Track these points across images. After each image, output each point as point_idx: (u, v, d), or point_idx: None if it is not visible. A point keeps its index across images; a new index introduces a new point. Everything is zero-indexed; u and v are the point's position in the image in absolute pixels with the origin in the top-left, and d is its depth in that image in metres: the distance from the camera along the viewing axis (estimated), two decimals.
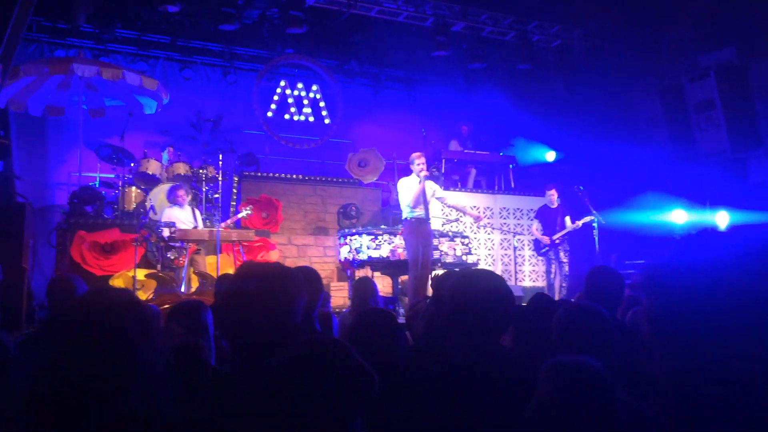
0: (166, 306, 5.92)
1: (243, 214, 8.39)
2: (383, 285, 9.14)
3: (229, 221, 8.48)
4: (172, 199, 8.18)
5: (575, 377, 1.58)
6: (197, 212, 8.34)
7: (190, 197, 8.41)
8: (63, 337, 1.46)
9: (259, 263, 2.84)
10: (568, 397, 1.53)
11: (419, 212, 7.20)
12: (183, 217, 8.04)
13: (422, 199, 7.20)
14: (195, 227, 7.94)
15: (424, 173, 7.19)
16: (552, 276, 9.17)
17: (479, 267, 8.92)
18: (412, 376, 2.26)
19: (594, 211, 8.94)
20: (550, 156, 11.60)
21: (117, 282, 7.78)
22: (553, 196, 9.22)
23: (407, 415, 1.93)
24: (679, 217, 9.47)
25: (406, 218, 7.27)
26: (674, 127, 10.40)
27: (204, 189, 9.35)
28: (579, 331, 2.45)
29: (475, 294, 1.99)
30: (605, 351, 2.28)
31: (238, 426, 1.20)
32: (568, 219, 9.20)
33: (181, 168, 9.41)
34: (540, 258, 9.87)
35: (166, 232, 7.42)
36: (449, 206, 8.53)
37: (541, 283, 10.02)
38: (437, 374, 2.01)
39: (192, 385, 2.10)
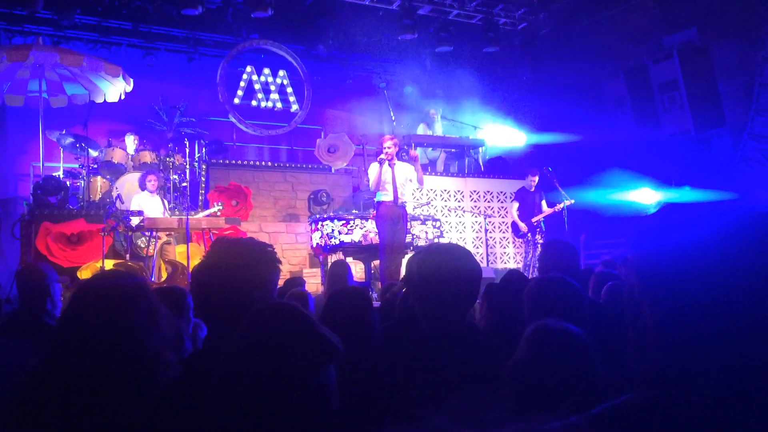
0: None
1: (215, 209, 8.26)
2: (356, 270, 9.13)
3: (201, 215, 8.35)
4: (143, 184, 8.08)
5: (559, 341, 1.59)
6: (165, 201, 8.24)
7: (159, 185, 8.30)
8: (69, 327, 1.44)
9: (232, 238, 2.79)
10: (550, 360, 1.54)
11: (387, 195, 7.20)
12: (151, 204, 7.94)
13: (391, 183, 7.21)
14: (163, 216, 7.83)
15: (382, 156, 7.23)
16: (528, 258, 9.30)
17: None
18: (384, 352, 2.26)
19: (564, 192, 9.06)
20: (519, 138, 11.67)
21: (85, 273, 7.63)
22: (534, 181, 9.34)
23: (380, 391, 1.92)
24: (645, 195, 9.63)
25: (378, 201, 7.29)
26: (639, 108, 10.55)
27: (172, 177, 9.21)
28: (550, 303, 2.46)
29: (441, 267, 1.99)
30: (577, 323, 2.31)
31: (209, 403, 1.18)
32: (544, 202, 9.34)
33: (147, 156, 9.27)
34: (511, 240, 9.98)
35: (135, 221, 7.31)
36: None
37: (512, 264, 10.13)
38: (407, 349, 2.01)
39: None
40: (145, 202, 7.94)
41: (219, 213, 8.24)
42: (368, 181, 7.54)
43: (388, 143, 7.25)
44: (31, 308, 3.33)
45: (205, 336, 2.04)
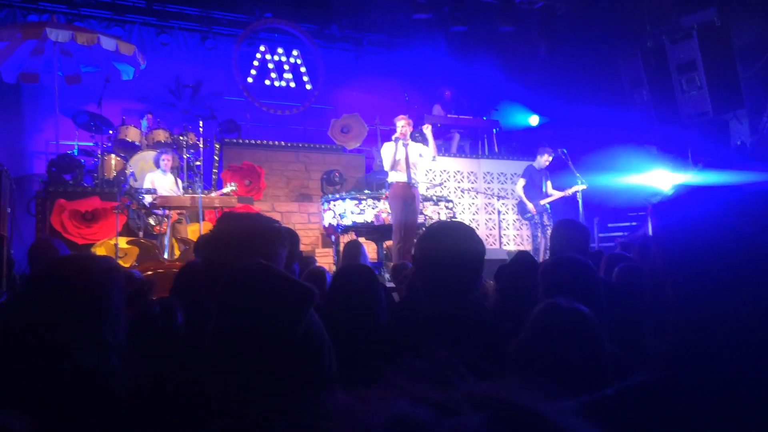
0: (149, 273, 5.88)
1: (227, 189, 8.25)
2: (368, 251, 9.14)
3: (213, 194, 8.35)
4: (157, 162, 8.11)
5: (567, 319, 1.56)
6: (178, 180, 8.26)
7: (174, 164, 8.31)
8: (29, 292, 1.44)
9: (238, 213, 2.79)
10: (556, 338, 1.52)
11: (400, 176, 7.18)
12: (165, 183, 7.97)
13: (404, 162, 7.18)
14: (176, 194, 7.86)
15: (396, 135, 7.19)
16: (538, 240, 9.21)
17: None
18: (389, 330, 2.25)
19: (578, 175, 8.96)
20: (534, 120, 11.57)
21: (99, 250, 7.70)
22: (547, 160, 9.17)
23: (385, 367, 1.92)
24: (661, 178, 9.53)
25: (391, 182, 7.25)
26: (656, 89, 10.40)
27: (185, 156, 9.23)
28: (565, 283, 2.44)
29: (443, 245, 1.97)
30: (591, 302, 2.29)
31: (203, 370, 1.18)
32: (549, 184, 9.20)
33: (161, 135, 9.29)
34: (525, 222, 9.92)
35: (148, 199, 7.34)
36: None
37: (525, 246, 10.08)
38: (410, 327, 2.00)
39: (166, 343, 2.08)
40: (159, 181, 7.98)
41: (232, 193, 8.25)
42: (381, 161, 7.51)
43: (402, 122, 7.21)
44: None
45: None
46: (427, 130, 7.43)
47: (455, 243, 1.95)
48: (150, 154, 8.99)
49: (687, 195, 0.96)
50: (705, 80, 9.66)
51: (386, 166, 7.22)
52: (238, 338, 1.09)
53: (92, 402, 1.36)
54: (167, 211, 7.57)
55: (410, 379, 0.49)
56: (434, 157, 7.44)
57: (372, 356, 2.09)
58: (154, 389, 1.37)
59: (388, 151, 7.21)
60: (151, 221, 7.46)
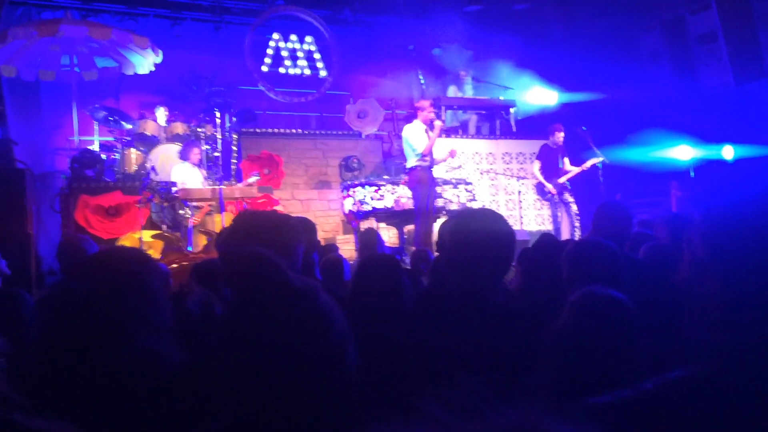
0: (174, 265, 5.94)
1: (251, 180, 8.27)
2: (389, 236, 9.15)
3: (239, 185, 8.36)
4: (185, 155, 8.16)
5: (605, 308, 1.55)
6: (203, 172, 8.28)
7: (198, 156, 8.35)
8: (69, 295, 1.46)
9: (256, 210, 2.82)
10: (595, 328, 1.50)
11: (424, 160, 7.17)
12: (193, 175, 8.01)
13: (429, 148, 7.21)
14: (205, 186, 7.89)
15: (439, 122, 7.19)
16: (558, 219, 9.15)
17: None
18: (417, 319, 2.25)
19: (598, 151, 8.87)
20: (552, 98, 11.44)
21: (124, 244, 7.79)
22: (560, 138, 9.11)
23: (412, 358, 1.92)
24: (683, 152, 9.39)
25: (413, 167, 7.22)
26: (676, 62, 10.24)
27: (204, 148, 9.26)
28: (589, 267, 2.43)
29: (475, 232, 1.94)
30: (616, 286, 2.27)
31: (232, 367, 1.19)
32: (567, 161, 9.14)
33: (179, 128, 9.34)
34: (545, 202, 9.86)
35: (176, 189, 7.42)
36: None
37: (547, 227, 10.02)
38: (440, 315, 1.99)
39: (202, 333, 2.11)
40: (188, 173, 8.01)
41: (256, 182, 8.27)
42: (404, 143, 7.43)
43: (431, 108, 7.25)
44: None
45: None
46: (437, 126, 7.33)
47: (486, 229, 1.93)
48: (169, 147, 9.05)
49: (731, 176, 0.93)
50: (726, 50, 9.47)
51: (419, 150, 7.15)
52: (245, 332, 1.08)
53: (150, 382, 1.39)
54: (197, 204, 7.64)
55: (444, 410, 0.49)
56: (421, 155, 7.22)
57: (399, 347, 2.10)
58: (199, 374, 1.40)
59: (421, 135, 7.17)
60: (183, 214, 7.54)
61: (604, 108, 10.37)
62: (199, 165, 8.31)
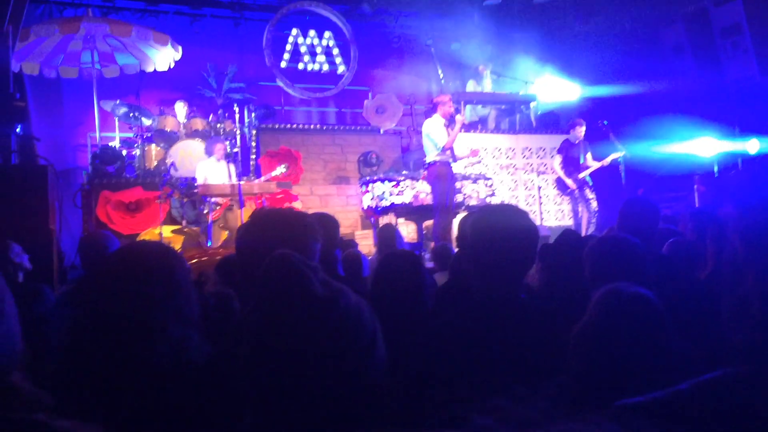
0: (194, 261, 5.98)
1: (277, 171, 8.26)
2: (408, 231, 9.13)
3: (262, 179, 8.37)
4: (209, 151, 8.20)
5: (632, 306, 1.50)
6: (232, 168, 8.26)
7: (226, 152, 8.37)
8: (98, 290, 1.46)
9: (271, 209, 2.81)
10: (622, 326, 1.46)
11: (444, 155, 7.13)
12: (218, 171, 8.04)
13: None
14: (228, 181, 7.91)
15: (460, 117, 7.16)
16: (579, 215, 9.07)
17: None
18: (438, 315, 2.23)
19: (620, 146, 8.77)
20: (572, 92, 11.32)
21: (145, 239, 7.85)
22: (581, 132, 9.03)
23: (433, 353, 1.90)
24: (707, 146, 9.25)
25: (432, 162, 7.19)
26: (700, 55, 10.06)
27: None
28: (611, 263, 2.38)
29: (497, 229, 1.90)
30: (641, 284, 2.23)
31: (251, 369, 1.17)
32: (589, 156, 9.06)
33: (199, 123, 9.39)
34: (565, 197, 9.78)
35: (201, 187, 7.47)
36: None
37: (567, 222, 9.93)
38: (463, 313, 1.97)
39: (223, 330, 2.11)
40: (212, 169, 8.05)
41: (282, 174, 8.25)
42: (423, 138, 7.40)
43: (451, 103, 7.21)
44: None
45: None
46: (458, 121, 7.28)
47: (509, 225, 1.89)
48: (189, 143, 9.10)
49: (759, 175, 0.90)
50: (750, 42, 9.30)
51: (440, 144, 7.12)
52: (264, 337, 1.06)
53: (181, 375, 1.39)
54: (216, 199, 7.67)
55: (497, 422, 0.47)
56: (442, 151, 7.20)
57: (419, 344, 2.07)
58: (224, 370, 1.39)
59: (441, 130, 7.14)
60: (204, 210, 7.58)
61: (626, 102, 10.24)
62: (227, 160, 8.33)
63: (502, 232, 1.88)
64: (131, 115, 9.12)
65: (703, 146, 9.21)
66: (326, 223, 3.08)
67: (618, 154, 8.72)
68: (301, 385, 1.00)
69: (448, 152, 7.18)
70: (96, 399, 1.30)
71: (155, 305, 1.42)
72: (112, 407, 1.28)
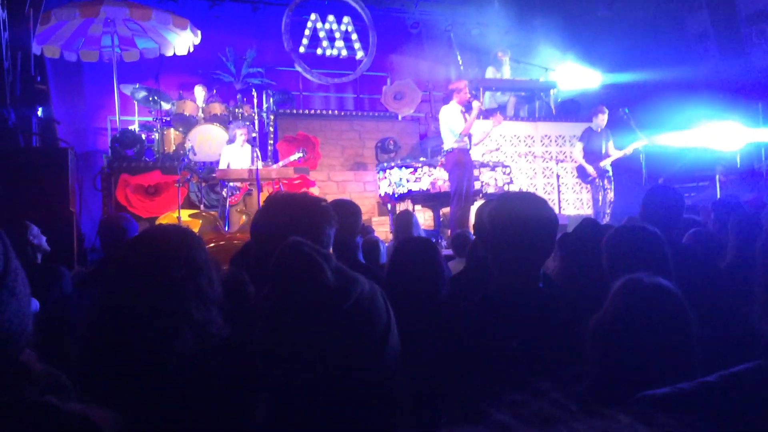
0: (211, 244, 6.00)
1: (294, 157, 8.26)
2: (425, 218, 9.11)
3: (279, 164, 8.39)
4: (231, 137, 8.26)
5: (651, 297, 1.47)
6: (257, 151, 8.27)
7: (248, 138, 8.39)
8: (119, 273, 1.46)
9: (285, 193, 2.80)
10: (641, 317, 1.43)
11: (462, 142, 7.09)
12: (241, 155, 8.07)
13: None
14: (251, 166, 7.93)
15: (477, 103, 7.10)
16: (599, 204, 9.00)
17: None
18: (454, 303, 2.21)
19: (641, 135, 8.66)
20: (593, 79, 11.18)
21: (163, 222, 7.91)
22: (603, 120, 8.93)
23: (448, 342, 1.89)
24: (731, 135, 9.09)
25: (450, 149, 7.15)
26: (725, 42, 9.90)
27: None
28: (630, 253, 2.34)
29: (516, 217, 1.88)
30: (661, 275, 2.19)
31: (264, 356, 1.15)
32: (611, 144, 8.96)
33: (217, 108, 9.41)
34: (584, 186, 9.69)
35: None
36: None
37: (586, 211, 9.85)
38: (479, 301, 1.95)
39: (237, 312, 2.11)
40: (235, 153, 8.08)
41: (299, 159, 8.26)
42: (440, 125, 7.36)
43: (466, 89, 7.14)
44: None
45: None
46: (475, 107, 7.21)
47: (528, 213, 1.86)
48: (207, 127, 9.13)
49: None
50: None
51: (457, 132, 7.07)
52: (277, 326, 1.04)
53: (205, 356, 1.39)
54: (236, 183, 7.69)
55: (515, 417, 0.46)
56: (460, 136, 7.14)
57: (434, 331, 2.06)
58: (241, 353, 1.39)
59: (457, 117, 7.08)
60: (224, 194, 7.63)
61: (648, 90, 10.09)
62: (252, 143, 8.35)
63: (520, 220, 1.86)
64: (150, 99, 9.17)
65: (726, 135, 9.06)
66: (348, 210, 3.08)
67: (640, 143, 8.61)
68: (313, 375, 0.99)
69: (466, 139, 7.13)
70: (116, 381, 1.30)
71: (178, 287, 1.42)
72: (132, 390, 1.29)
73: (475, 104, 7.16)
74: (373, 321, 1.05)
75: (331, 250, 1.95)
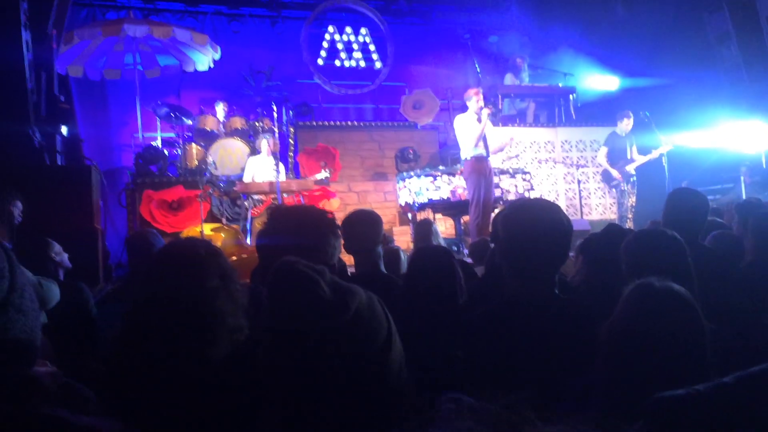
0: (233, 258, 6.06)
1: (322, 176, 8.33)
2: (446, 227, 9.09)
3: (309, 180, 8.42)
4: (257, 147, 8.37)
5: (663, 302, 1.45)
6: (281, 164, 8.34)
7: (272, 149, 8.49)
8: (152, 285, 1.49)
9: (289, 205, 2.82)
10: (652, 323, 1.41)
11: (480, 150, 7.07)
12: (266, 166, 8.16)
13: (482, 137, 7.09)
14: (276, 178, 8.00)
15: (486, 110, 7.06)
16: (624, 208, 8.94)
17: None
18: (471, 311, 2.20)
19: (663, 138, 8.57)
20: (613, 83, 11.10)
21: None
22: (628, 125, 8.89)
23: (466, 349, 1.88)
24: (753, 137, 8.96)
25: (466, 158, 7.14)
26: (746, 43, 9.75)
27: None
28: (647, 258, 2.30)
29: (529, 223, 1.87)
30: (681, 280, 2.15)
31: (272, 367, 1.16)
32: (635, 149, 8.90)
33: (238, 122, 9.52)
34: (607, 191, 9.62)
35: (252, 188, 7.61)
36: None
37: (609, 215, 9.76)
38: (493, 310, 1.94)
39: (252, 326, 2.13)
40: (260, 165, 8.17)
41: (326, 179, 8.33)
42: (456, 134, 7.37)
43: (480, 96, 7.12)
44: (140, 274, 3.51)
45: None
46: (484, 114, 7.18)
47: (541, 219, 1.85)
48: (229, 142, 9.23)
49: None
50: None
51: (469, 143, 7.07)
52: (279, 340, 1.05)
53: (237, 360, 1.40)
54: (256, 196, 7.77)
55: (481, 426, 0.46)
56: (474, 142, 7.09)
57: (452, 340, 2.06)
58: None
59: (470, 127, 7.07)
60: (246, 205, 7.72)
61: (669, 92, 9.98)
62: (275, 155, 8.46)
63: (533, 226, 1.85)
64: (172, 115, 9.29)
65: (748, 138, 8.92)
66: (369, 219, 3.09)
67: (665, 147, 8.54)
68: (318, 391, 0.99)
69: (481, 145, 7.10)
70: (147, 391, 1.32)
71: (213, 294, 1.44)
72: (161, 399, 1.30)
73: (484, 111, 7.14)
74: (375, 329, 1.05)
75: (336, 260, 1.96)
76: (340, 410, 0.98)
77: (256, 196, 8.00)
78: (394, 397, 1.02)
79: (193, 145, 9.29)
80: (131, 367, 1.36)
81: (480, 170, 7.03)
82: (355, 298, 1.04)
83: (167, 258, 1.56)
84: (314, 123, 10.54)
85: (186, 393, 1.31)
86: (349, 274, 3.36)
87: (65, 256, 3.55)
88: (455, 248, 7.42)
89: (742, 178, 8.70)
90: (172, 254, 1.56)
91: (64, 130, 6.57)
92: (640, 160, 8.78)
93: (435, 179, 7.87)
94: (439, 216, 8.45)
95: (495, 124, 8.70)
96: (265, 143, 8.30)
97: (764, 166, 8.81)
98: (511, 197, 8.16)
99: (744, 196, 8.14)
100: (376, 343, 1.03)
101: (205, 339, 1.37)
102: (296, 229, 1.77)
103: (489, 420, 0.46)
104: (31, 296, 0.78)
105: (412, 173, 8.21)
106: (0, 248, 0.74)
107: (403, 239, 8.78)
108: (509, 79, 10.88)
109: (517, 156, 9.35)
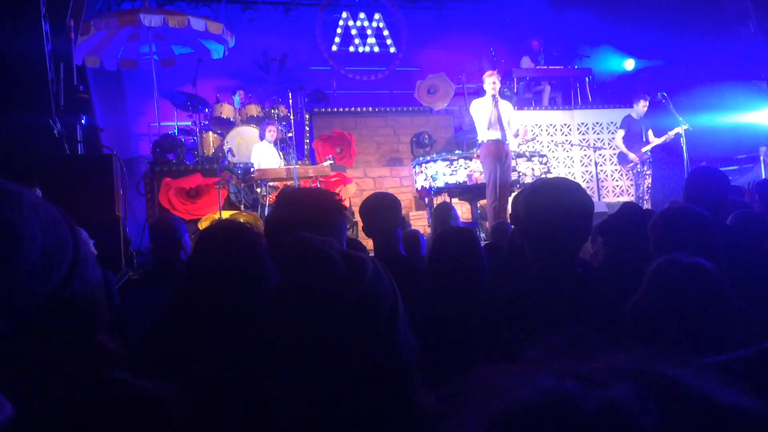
0: None
1: (326, 164, 8.37)
2: (462, 211, 9.08)
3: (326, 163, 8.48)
4: (263, 134, 8.44)
5: (689, 277, 1.46)
6: (280, 152, 8.46)
7: (278, 136, 8.55)
8: (204, 262, 1.56)
9: (296, 188, 2.84)
10: (678, 297, 1.42)
11: (495, 134, 7.04)
12: (271, 153, 8.23)
13: (498, 120, 7.04)
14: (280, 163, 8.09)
15: (493, 92, 7.03)
16: (641, 190, 8.91)
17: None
18: (494, 292, 2.22)
19: (680, 118, 8.49)
20: (629, 64, 10.99)
21: (205, 224, 8.06)
22: (644, 107, 8.84)
23: (489, 330, 1.90)
24: None
25: (482, 141, 7.13)
26: (765, 21, 9.61)
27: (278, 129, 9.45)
28: (677, 234, 2.31)
29: (550, 202, 1.86)
30: (709, 256, 2.15)
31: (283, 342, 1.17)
32: (651, 132, 8.84)
33: (253, 110, 9.56)
34: (624, 173, 9.57)
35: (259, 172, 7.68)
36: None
37: (626, 198, 9.71)
38: (517, 289, 1.95)
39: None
40: (266, 151, 8.25)
41: (329, 166, 8.37)
42: (470, 120, 7.36)
43: (492, 78, 7.06)
44: (166, 259, 3.57)
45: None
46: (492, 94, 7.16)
47: (562, 199, 1.84)
48: (245, 129, 9.28)
49: None
50: None
51: (482, 126, 7.05)
52: (290, 318, 1.05)
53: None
54: (274, 183, 7.84)
55: (548, 354, 0.48)
56: (488, 125, 7.08)
57: (476, 321, 2.08)
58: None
59: (482, 111, 7.05)
60: (261, 192, 7.78)
61: (686, 72, 9.88)
62: (275, 144, 8.49)
63: (555, 205, 1.85)
64: (188, 103, 9.34)
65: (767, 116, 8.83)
66: (387, 202, 3.10)
67: (680, 128, 8.45)
68: (332, 363, 0.99)
69: (497, 128, 7.06)
70: (192, 361, 1.37)
71: (257, 270, 1.55)
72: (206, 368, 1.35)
73: (503, 101, 7.15)
74: (382, 296, 1.04)
75: (344, 240, 1.98)
76: (353, 380, 0.99)
77: (272, 183, 8.05)
78: (404, 364, 1.03)
79: (210, 133, 9.35)
80: (187, 333, 1.42)
81: (496, 154, 7.01)
82: (367, 267, 1.04)
83: (216, 237, 1.67)
84: (329, 109, 10.55)
85: (231, 360, 1.36)
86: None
87: (91, 243, 3.60)
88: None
89: (761, 157, 8.61)
90: (220, 234, 1.69)
91: (83, 119, 6.64)
92: (656, 141, 8.74)
93: (451, 163, 7.86)
94: (455, 200, 8.44)
95: (520, 107, 8.65)
96: (269, 129, 8.38)
97: None
98: (528, 180, 8.14)
99: (764, 176, 8.07)
100: (384, 310, 1.03)
101: (253, 308, 1.44)
102: (301, 210, 1.79)
103: (556, 350, 0.48)
104: (94, 265, 0.81)
105: (428, 158, 8.21)
106: (62, 218, 0.77)
107: (420, 224, 8.80)
108: (526, 62, 10.82)
109: (534, 138, 9.31)
